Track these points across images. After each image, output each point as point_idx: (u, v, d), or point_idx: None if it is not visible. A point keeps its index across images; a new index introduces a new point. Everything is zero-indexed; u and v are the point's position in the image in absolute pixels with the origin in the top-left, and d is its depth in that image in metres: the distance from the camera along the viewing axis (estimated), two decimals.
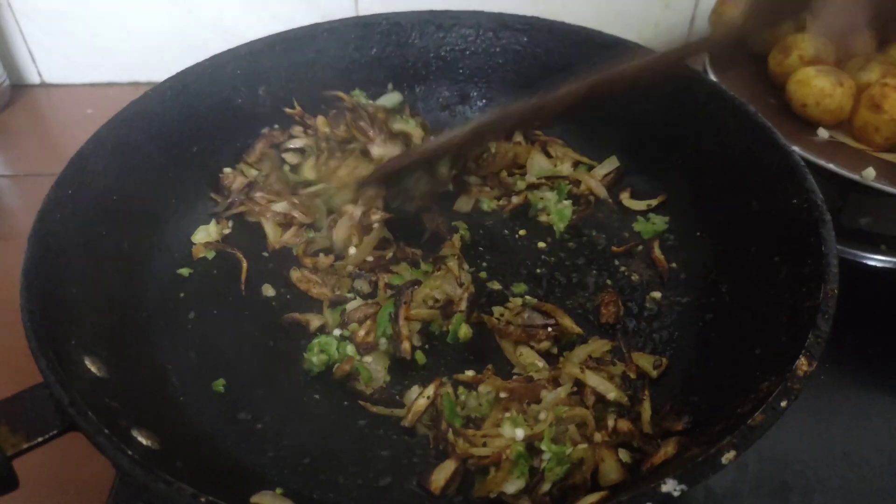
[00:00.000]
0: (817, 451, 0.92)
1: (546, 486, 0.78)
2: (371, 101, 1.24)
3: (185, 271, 1.04)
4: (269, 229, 1.09)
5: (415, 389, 0.89)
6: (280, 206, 1.10)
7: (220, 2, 1.49)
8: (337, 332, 0.95)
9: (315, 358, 0.91)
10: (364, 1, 1.48)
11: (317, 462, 0.84)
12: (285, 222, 1.10)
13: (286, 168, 1.16)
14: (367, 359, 0.91)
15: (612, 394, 0.86)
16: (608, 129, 1.19)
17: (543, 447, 0.80)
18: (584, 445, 0.80)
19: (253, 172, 1.16)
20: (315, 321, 0.97)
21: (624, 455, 0.79)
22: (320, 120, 1.21)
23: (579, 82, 0.94)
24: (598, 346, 0.94)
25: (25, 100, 1.58)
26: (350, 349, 0.92)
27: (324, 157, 1.15)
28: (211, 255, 1.06)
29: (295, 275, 1.03)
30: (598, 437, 0.81)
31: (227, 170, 1.15)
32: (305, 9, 1.48)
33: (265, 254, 1.07)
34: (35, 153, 1.46)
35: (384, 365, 0.92)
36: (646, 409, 0.84)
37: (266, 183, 1.13)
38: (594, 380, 0.87)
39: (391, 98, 1.26)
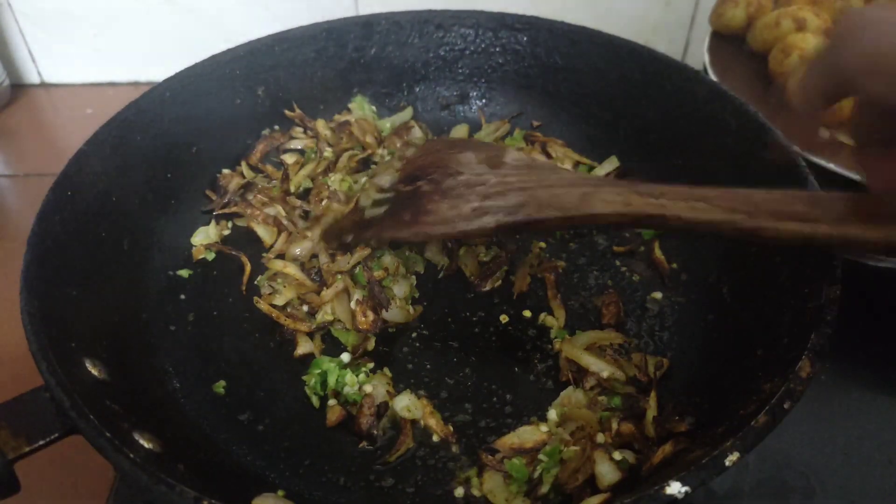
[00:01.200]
0: (818, 451, 0.92)
1: (545, 489, 0.78)
2: (375, 112, 1.25)
3: (184, 272, 1.04)
4: (262, 232, 1.09)
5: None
6: (272, 211, 1.10)
7: (220, 2, 1.49)
8: (345, 356, 0.93)
9: (314, 384, 0.89)
10: (364, 1, 1.48)
11: (318, 463, 0.83)
12: (276, 226, 1.10)
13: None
14: (367, 387, 0.88)
15: (605, 372, 0.87)
16: (608, 130, 1.19)
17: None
18: (576, 447, 0.80)
19: (252, 174, 1.16)
20: (302, 346, 0.95)
21: (629, 456, 0.79)
22: (320, 123, 1.21)
23: (623, 202, 0.81)
24: (607, 336, 0.94)
25: (25, 100, 1.58)
26: (350, 378, 0.89)
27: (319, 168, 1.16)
28: (211, 256, 1.06)
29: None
30: (601, 437, 0.81)
31: (226, 170, 1.14)
32: (305, 9, 1.48)
33: (264, 255, 1.07)
34: (35, 153, 1.46)
35: (385, 382, 0.90)
36: (651, 408, 0.84)
37: (263, 187, 1.14)
38: (588, 360, 0.88)
39: (402, 116, 1.26)
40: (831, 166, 1.03)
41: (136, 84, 1.61)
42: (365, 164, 1.19)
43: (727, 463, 0.61)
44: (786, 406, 0.65)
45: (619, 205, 0.80)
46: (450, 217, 0.87)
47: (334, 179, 1.13)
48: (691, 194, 0.78)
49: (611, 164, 1.18)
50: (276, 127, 1.21)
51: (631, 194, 0.81)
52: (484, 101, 1.28)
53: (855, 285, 0.81)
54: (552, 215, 0.83)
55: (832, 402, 0.97)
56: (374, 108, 1.25)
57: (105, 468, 0.90)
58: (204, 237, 1.08)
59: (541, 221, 0.84)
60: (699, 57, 1.25)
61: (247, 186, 1.13)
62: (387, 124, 1.24)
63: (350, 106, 1.24)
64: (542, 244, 1.08)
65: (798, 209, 0.73)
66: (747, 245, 0.92)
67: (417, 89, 1.28)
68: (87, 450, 0.65)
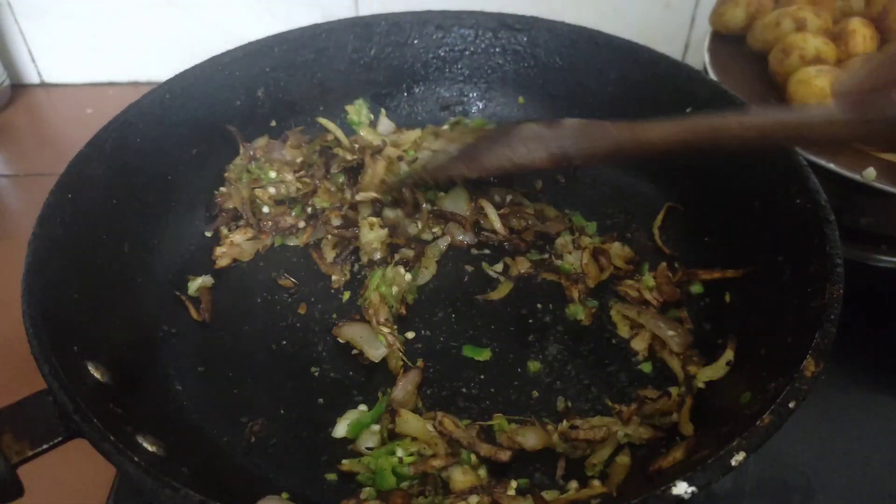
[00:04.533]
0: (818, 451, 0.93)
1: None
2: (372, 118, 1.25)
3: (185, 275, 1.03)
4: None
5: None
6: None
7: (220, 2, 1.48)
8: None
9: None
10: (364, 1, 1.48)
11: (322, 466, 0.83)
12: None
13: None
14: None
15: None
16: None
17: None
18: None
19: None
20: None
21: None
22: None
23: (680, 126, 0.88)
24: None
25: (25, 100, 1.58)
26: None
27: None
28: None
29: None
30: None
31: (223, 188, 1.13)
32: (305, 9, 1.48)
33: (261, 263, 1.07)
34: (35, 153, 1.45)
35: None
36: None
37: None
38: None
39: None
40: (831, 166, 1.03)
41: (136, 84, 1.60)
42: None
43: (733, 463, 0.61)
44: (791, 405, 0.65)
45: (670, 131, 0.87)
46: (505, 154, 0.95)
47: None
48: (739, 120, 0.85)
49: None
50: (273, 123, 1.20)
51: (681, 121, 0.87)
52: (484, 101, 1.28)
53: (854, 285, 0.81)
54: (602, 144, 0.91)
55: (832, 402, 0.97)
56: (371, 115, 1.25)
57: (104, 470, 0.90)
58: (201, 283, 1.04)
59: (592, 152, 0.92)
60: (699, 57, 1.25)
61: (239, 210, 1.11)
62: (379, 130, 1.25)
63: (347, 108, 1.24)
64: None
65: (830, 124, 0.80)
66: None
67: (417, 90, 1.27)
68: (87, 452, 0.65)
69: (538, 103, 1.25)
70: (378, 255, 1.05)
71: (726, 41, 1.28)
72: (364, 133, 1.22)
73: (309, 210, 1.12)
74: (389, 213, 1.09)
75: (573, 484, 0.80)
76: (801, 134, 0.84)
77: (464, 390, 0.90)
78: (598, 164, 1.11)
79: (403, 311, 0.99)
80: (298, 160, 1.17)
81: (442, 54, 1.25)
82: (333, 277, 1.04)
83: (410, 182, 1.08)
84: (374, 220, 1.06)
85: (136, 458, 0.63)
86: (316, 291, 1.03)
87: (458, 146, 1.08)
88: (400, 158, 1.17)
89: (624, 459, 0.81)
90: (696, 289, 1.00)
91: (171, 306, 0.99)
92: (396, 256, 1.05)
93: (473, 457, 0.82)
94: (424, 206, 1.08)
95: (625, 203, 1.14)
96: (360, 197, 1.09)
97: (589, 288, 1.01)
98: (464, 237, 1.07)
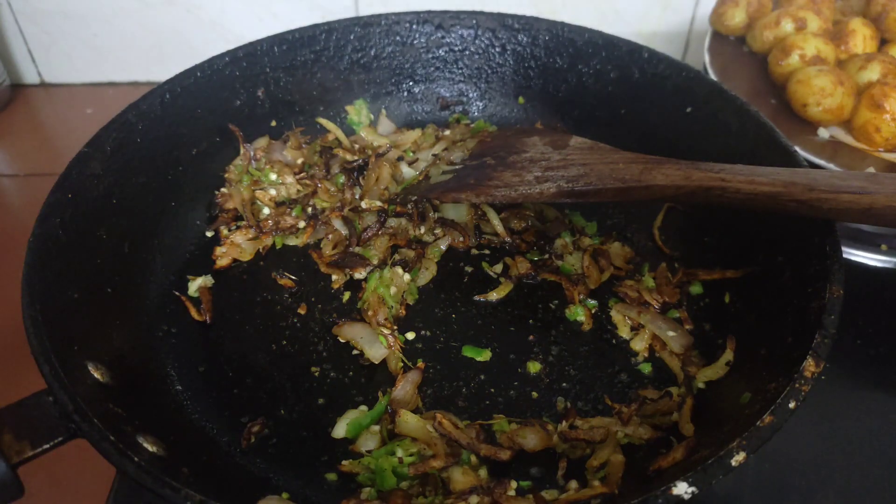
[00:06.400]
0: (818, 450, 0.92)
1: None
2: (372, 119, 1.25)
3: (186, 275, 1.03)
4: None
5: None
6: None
7: (220, 2, 1.49)
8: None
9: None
10: (364, 1, 1.48)
11: (322, 466, 0.83)
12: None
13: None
14: None
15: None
16: (608, 129, 1.19)
17: None
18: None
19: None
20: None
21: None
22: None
23: (688, 174, 0.86)
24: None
25: (25, 100, 1.58)
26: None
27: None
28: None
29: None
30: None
31: (224, 189, 1.13)
32: (305, 9, 1.48)
33: (261, 263, 1.07)
34: (35, 153, 1.46)
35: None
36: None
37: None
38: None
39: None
40: (831, 166, 1.03)
41: (135, 84, 1.60)
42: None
43: (733, 463, 0.61)
44: (791, 405, 0.65)
45: (679, 178, 0.86)
46: (512, 182, 0.96)
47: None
48: (752, 170, 0.83)
49: None
50: (273, 123, 1.20)
51: (691, 169, 0.86)
52: (484, 101, 1.28)
53: (854, 285, 0.81)
54: (611, 185, 0.90)
55: (832, 402, 0.97)
56: (371, 115, 1.25)
57: (104, 470, 0.90)
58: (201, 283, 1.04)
59: (600, 191, 0.90)
60: (699, 57, 1.25)
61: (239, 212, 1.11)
62: (379, 130, 1.25)
63: (347, 108, 1.24)
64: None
65: (855, 184, 0.76)
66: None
67: (417, 90, 1.28)
68: (87, 452, 0.65)
69: (538, 103, 1.25)
70: (375, 261, 1.05)
71: (726, 41, 1.28)
72: (364, 133, 1.23)
73: (309, 210, 1.12)
74: (393, 222, 1.09)
75: (573, 484, 0.80)
76: (813, 201, 0.77)
77: (464, 390, 0.90)
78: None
79: (403, 311, 0.99)
80: (299, 161, 1.17)
81: (442, 54, 1.25)
82: (333, 277, 1.04)
83: (416, 199, 1.08)
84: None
85: (136, 458, 0.63)
86: (316, 291, 1.03)
87: (461, 157, 1.09)
88: (400, 159, 1.18)
89: (618, 457, 0.81)
90: (696, 289, 1.00)
91: (171, 306, 0.99)
92: (396, 257, 1.05)
93: (473, 457, 0.82)
94: (431, 215, 1.09)
95: (625, 203, 1.14)
96: (365, 205, 1.10)
97: (589, 289, 1.01)
98: (464, 239, 1.08)
